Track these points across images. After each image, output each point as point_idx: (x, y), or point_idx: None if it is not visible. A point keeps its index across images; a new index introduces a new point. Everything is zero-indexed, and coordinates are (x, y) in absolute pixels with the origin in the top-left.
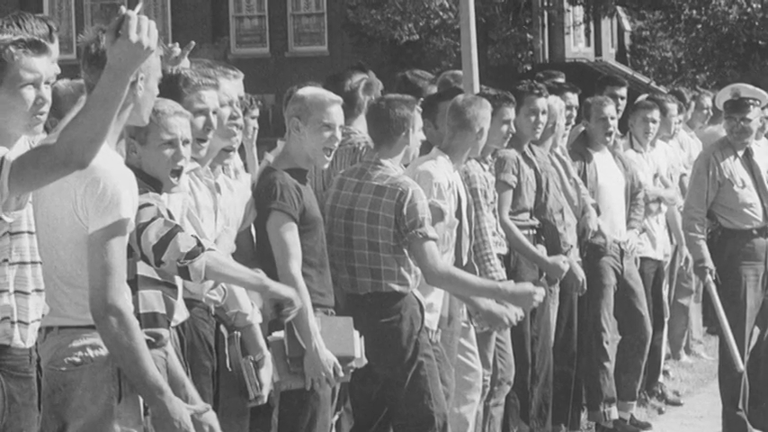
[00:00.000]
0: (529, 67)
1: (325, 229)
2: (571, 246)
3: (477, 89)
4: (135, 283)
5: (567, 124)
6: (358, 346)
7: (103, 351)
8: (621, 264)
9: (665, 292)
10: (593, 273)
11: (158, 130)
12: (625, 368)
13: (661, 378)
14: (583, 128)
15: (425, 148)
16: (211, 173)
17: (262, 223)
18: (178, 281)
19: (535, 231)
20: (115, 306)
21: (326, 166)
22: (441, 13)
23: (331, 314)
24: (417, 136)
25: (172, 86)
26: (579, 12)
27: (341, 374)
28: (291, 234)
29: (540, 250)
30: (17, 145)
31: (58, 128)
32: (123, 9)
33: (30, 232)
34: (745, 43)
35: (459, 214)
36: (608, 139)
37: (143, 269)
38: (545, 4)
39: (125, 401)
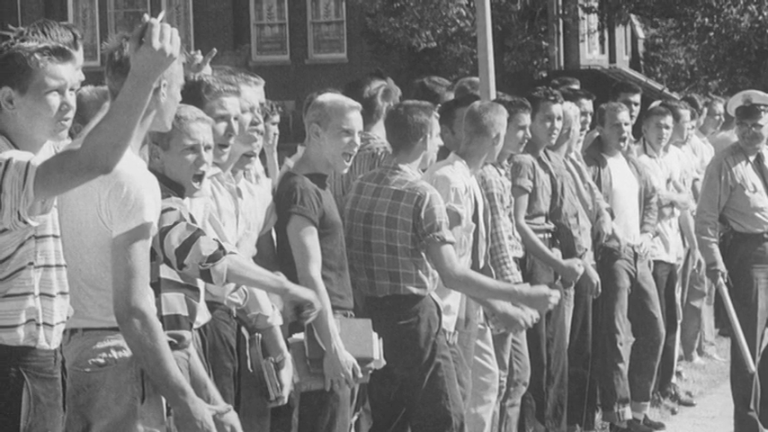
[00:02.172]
0: (544, 74)
1: (345, 233)
2: (586, 249)
3: (493, 95)
4: (158, 285)
5: (582, 130)
6: (377, 348)
7: (127, 353)
8: (635, 267)
9: (677, 295)
10: (608, 276)
11: (181, 136)
12: (639, 369)
13: (674, 379)
14: (597, 133)
15: (443, 154)
16: (233, 178)
17: (282, 227)
18: (200, 284)
19: (550, 235)
20: (138, 308)
21: (346, 171)
22: (458, 21)
23: (350, 316)
24: (435, 141)
25: (194, 93)
26: (594, 20)
27: (360, 375)
28: (311, 238)
29: (556, 254)
30: (42, 150)
31: (83, 133)
32: (146, 17)
33: (55, 236)
34: (757, 51)
35: (475, 218)
36: (622, 144)
37: (166, 272)
38: (560, 12)
39: (148, 402)
